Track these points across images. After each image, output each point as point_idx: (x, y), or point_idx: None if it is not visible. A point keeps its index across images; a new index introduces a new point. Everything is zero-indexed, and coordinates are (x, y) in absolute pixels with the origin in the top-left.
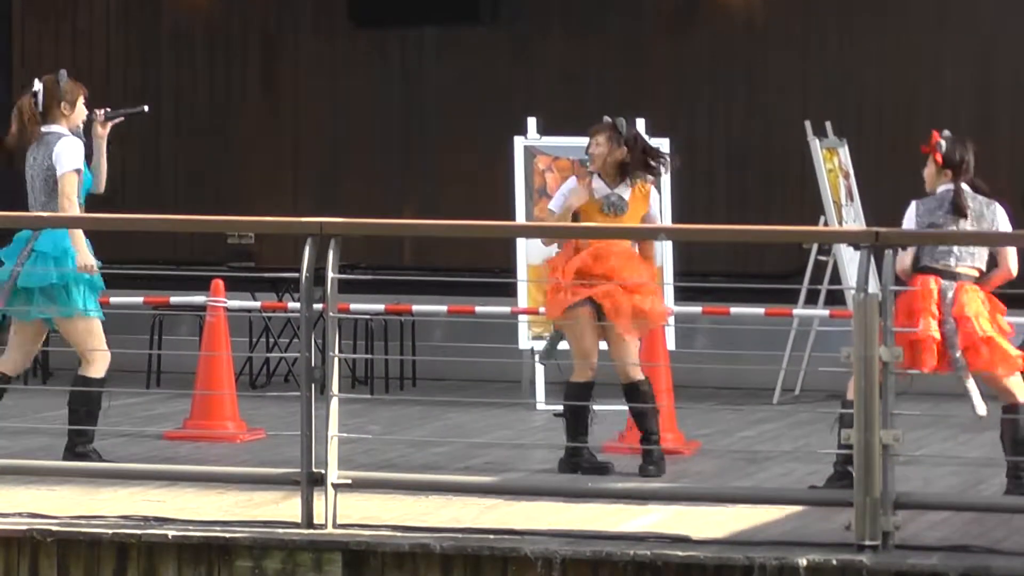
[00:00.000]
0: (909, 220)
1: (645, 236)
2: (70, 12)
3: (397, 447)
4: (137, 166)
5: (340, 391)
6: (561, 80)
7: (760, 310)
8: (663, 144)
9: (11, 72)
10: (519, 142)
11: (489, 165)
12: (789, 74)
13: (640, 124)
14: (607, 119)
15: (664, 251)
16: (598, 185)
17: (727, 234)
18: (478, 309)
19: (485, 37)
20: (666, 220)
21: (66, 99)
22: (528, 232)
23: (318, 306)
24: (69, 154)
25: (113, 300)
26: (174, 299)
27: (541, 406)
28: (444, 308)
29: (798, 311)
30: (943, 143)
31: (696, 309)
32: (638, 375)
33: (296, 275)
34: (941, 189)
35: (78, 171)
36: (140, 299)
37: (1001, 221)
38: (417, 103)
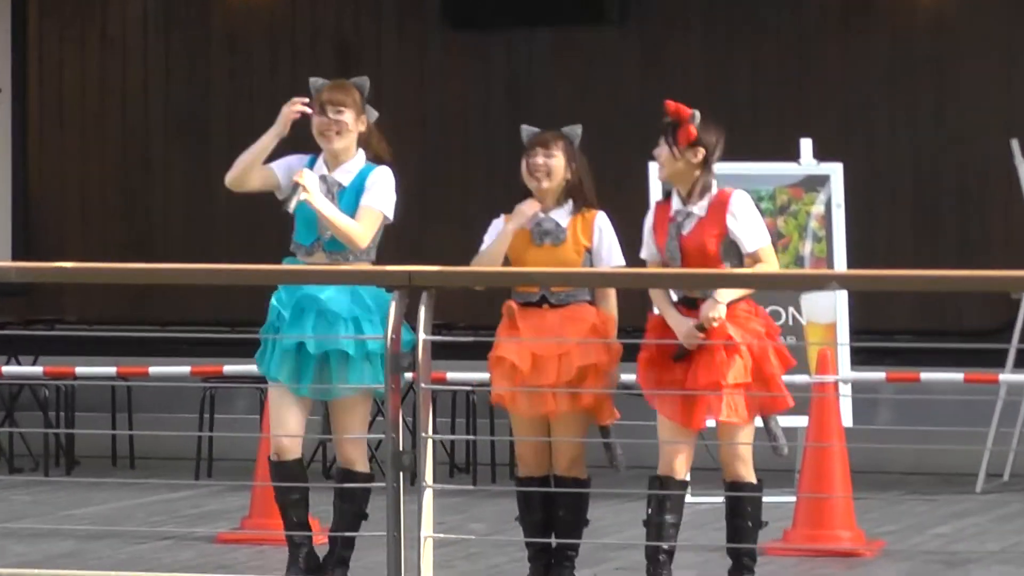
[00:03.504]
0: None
1: (815, 286)
2: (98, 15)
3: (507, 549)
4: (180, 203)
5: (435, 481)
6: (704, 91)
7: (958, 376)
8: (835, 170)
9: (27, 85)
10: (654, 164)
11: (617, 192)
12: (989, 82)
13: (806, 145)
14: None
15: (838, 303)
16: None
17: (915, 281)
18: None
19: (612, 40)
20: (839, 264)
21: None
22: (665, 281)
23: (407, 375)
24: None
25: (153, 371)
26: (228, 368)
27: (688, 498)
28: None
29: (1005, 377)
30: (697, 115)
31: (878, 375)
32: (573, 471)
33: (378, 338)
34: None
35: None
36: (187, 369)
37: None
38: (526, 119)
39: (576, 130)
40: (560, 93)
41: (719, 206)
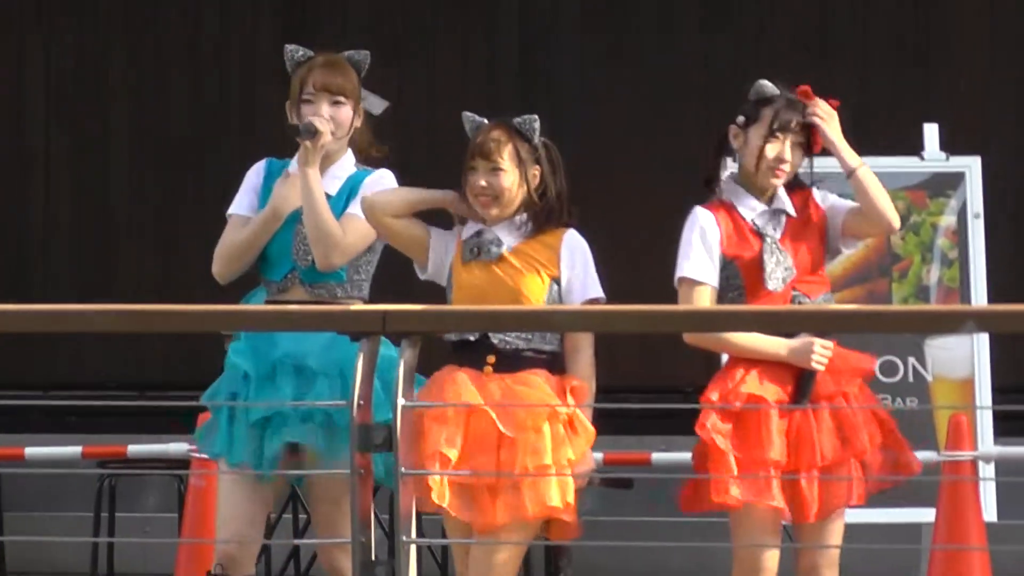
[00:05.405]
0: None
1: (946, 327)
2: None
3: None
4: (67, 214)
5: None
6: (789, 57)
7: None
8: (973, 167)
9: None
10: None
11: (665, 208)
12: None
13: (931, 134)
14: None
15: (977, 352)
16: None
17: None
18: (654, 457)
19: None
20: (978, 298)
21: None
22: (742, 322)
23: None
24: None
25: (31, 453)
26: (134, 448)
27: None
28: (599, 456)
29: None
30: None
31: None
32: None
33: (339, 405)
34: None
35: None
36: (78, 449)
37: None
38: (542, 102)
39: (532, 123)
40: (589, 64)
41: (805, 201)
